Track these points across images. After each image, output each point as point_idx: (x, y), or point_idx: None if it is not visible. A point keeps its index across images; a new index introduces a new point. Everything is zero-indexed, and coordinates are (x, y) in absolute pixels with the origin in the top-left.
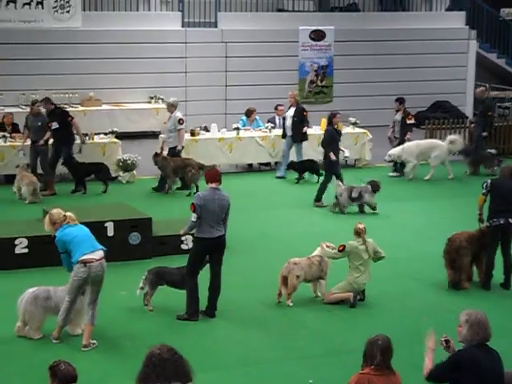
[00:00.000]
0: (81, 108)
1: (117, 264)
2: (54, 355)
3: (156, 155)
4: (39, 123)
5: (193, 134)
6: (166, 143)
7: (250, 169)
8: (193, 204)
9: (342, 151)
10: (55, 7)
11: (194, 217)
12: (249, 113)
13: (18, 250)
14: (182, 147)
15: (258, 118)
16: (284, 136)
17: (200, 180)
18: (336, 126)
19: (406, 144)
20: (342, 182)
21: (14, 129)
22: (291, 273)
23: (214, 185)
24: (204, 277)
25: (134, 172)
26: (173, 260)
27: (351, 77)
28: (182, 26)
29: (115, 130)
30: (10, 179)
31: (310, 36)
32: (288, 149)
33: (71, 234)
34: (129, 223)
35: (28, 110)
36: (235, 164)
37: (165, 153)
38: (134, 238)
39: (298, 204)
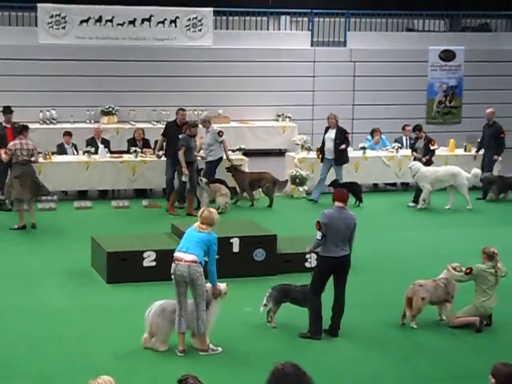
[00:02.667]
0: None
1: (241, 280)
2: (178, 369)
3: (234, 168)
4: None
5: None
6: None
7: (375, 188)
8: (318, 222)
9: None
10: (188, 26)
11: (318, 235)
12: (373, 133)
13: (146, 263)
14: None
15: (384, 137)
16: (322, 159)
17: (274, 193)
18: None
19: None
20: None
21: (145, 144)
22: (416, 294)
23: (340, 204)
24: (328, 295)
25: (260, 190)
26: (297, 277)
27: (481, 98)
28: (311, 45)
29: (243, 147)
30: (140, 193)
31: (439, 56)
32: (326, 172)
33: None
34: (254, 240)
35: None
36: (361, 184)
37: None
38: (259, 254)
39: (423, 225)
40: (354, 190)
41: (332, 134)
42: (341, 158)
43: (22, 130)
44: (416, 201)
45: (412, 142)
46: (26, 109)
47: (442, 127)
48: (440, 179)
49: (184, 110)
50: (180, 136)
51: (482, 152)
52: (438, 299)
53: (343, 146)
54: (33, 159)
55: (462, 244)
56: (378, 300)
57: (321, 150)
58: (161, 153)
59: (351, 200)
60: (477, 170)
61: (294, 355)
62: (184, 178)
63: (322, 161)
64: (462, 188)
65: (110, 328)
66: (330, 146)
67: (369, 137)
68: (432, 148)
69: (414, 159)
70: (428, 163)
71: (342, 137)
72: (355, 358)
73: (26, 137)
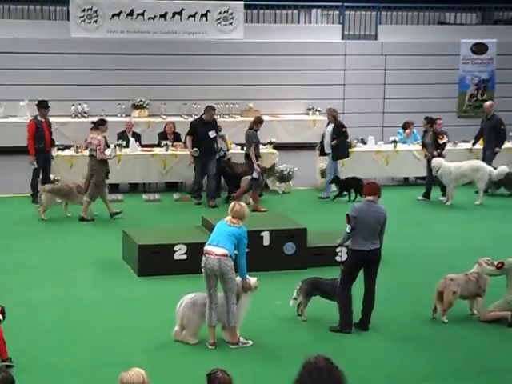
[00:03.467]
0: (240, 118)
1: (271, 273)
2: (208, 361)
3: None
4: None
5: (350, 146)
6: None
7: (406, 182)
8: (347, 215)
9: None
10: (218, 19)
11: (348, 228)
12: (406, 126)
13: (176, 256)
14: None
15: (415, 131)
16: (323, 153)
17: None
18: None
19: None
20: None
21: (176, 138)
22: (447, 288)
23: (370, 197)
24: (358, 289)
25: (291, 183)
26: (327, 271)
27: None
28: (342, 39)
29: (273, 140)
30: (171, 186)
31: (471, 49)
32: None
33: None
34: (284, 233)
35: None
36: (391, 177)
37: None
38: (289, 247)
39: (454, 219)
40: (355, 185)
41: (330, 128)
42: (335, 152)
43: (96, 124)
44: (444, 194)
45: (422, 136)
46: (58, 102)
47: (474, 121)
48: (464, 174)
49: (214, 108)
50: (248, 132)
51: (477, 146)
52: (469, 293)
53: (334, 142)
54: (93, 154)
55: (493, 238)
56: (409, 294)
57: (320, 145)
58: (195, 150)
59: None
60: (503, 168)
61: (323, 349)
62: (255, 175)
63: (320, 155)
64: (481, 182)
65: (141, 320)
66: (327, 140)
67: (400, 130)
68: (441, 142)
69: (425, 156)
70: (440, 157)
71: (339, 131)
72: (386, 352)
73: (98, 132)
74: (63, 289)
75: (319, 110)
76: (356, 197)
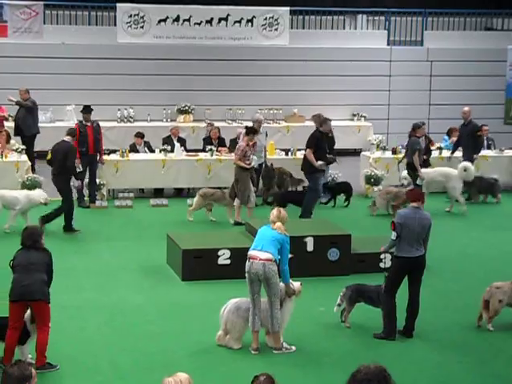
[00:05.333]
0: (284, 124)
1: (315, 279)
2: (251, 367)
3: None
4: None
5: (394, 151)
6: None
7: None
8: (393, 222)
9: None
10: (264, 25)
11: (393, 235)
12: (450, 132)
13: (220, 261)
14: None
15: None
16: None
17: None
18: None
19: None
20: None
21: (220, 143)
22: (493, 297)
23: (415, 204)
24: (402, 296)
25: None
26: (371, 278)
27: None
28: (388, 45)
29: None
30: None
31: None
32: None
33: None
34: (329, 239)
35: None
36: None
37: None
38: (333, 253)
39: (499, 226)
40: (346, 189)
41: None
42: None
43: (248, 131)
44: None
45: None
46: (105, 107)
47: None
48: (434, 181)
49: (260, 122)
50: (412, 140)
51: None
52: None
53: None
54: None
55: None
56: (454, 301)
57: None
58: (322, 163)
59: (340, 201)
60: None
61: (367, 356)
62: (419, 182)
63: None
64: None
65: (185, 325)
66: None
67: (446, 136)
68: (432, 148)
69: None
70: (425, 164)
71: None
72: (430, 360)
73: (246, 139)
74: (107, 293)
75: (364, 116)
76: (348, 202)
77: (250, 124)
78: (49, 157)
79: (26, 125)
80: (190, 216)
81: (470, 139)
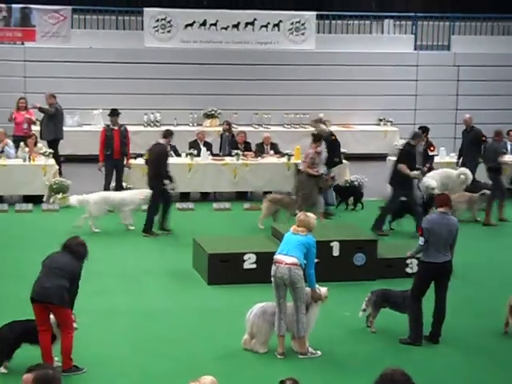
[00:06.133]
0: (310, 129)
1: (341, 284)
2: (277, 371)
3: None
4: None
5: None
6: None
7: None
8: (420, 228)
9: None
10: (290, 29)
11: (421, 240)
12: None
13: (246, 265)
14: None
15: None
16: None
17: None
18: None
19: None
20: None
21: (247, 147)
22: None
23: (443, 209)
24: (428, 302)
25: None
26: (397, 283)
27: None
28: (415, 49)
29: (343, 151)
30: (241, 196)
31: None
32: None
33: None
34: (354, 244)
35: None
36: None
37: None
38: (359, 258)
39: None
40: (354, 193)
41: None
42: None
43: (315, 139)
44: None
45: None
46: (131, 111)
47: None
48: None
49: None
50: (493, 144)
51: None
52: None
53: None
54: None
55: None
56: (480, 307)
57: None
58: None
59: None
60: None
61: (392, 361)
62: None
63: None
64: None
65: (211, 329)
66: None
67: None
68: (431, 154)
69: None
70: (429, 171)
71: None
72: (456, 366)
73: (314, 146)
74: (134, 297)
75: (391, 121)
76: (355, 205)
77: (290, 129)
78: (146, 157)
79: (47, 130)
80: (260, 224)
81: (473, 145)
